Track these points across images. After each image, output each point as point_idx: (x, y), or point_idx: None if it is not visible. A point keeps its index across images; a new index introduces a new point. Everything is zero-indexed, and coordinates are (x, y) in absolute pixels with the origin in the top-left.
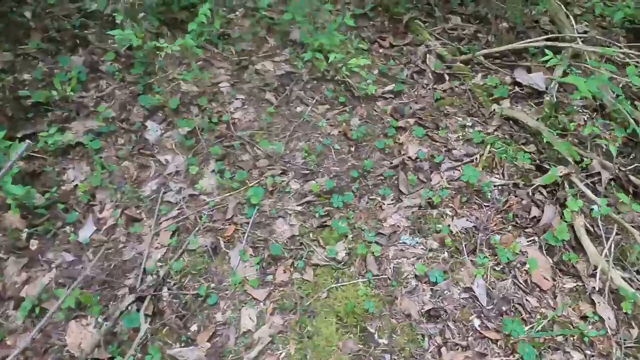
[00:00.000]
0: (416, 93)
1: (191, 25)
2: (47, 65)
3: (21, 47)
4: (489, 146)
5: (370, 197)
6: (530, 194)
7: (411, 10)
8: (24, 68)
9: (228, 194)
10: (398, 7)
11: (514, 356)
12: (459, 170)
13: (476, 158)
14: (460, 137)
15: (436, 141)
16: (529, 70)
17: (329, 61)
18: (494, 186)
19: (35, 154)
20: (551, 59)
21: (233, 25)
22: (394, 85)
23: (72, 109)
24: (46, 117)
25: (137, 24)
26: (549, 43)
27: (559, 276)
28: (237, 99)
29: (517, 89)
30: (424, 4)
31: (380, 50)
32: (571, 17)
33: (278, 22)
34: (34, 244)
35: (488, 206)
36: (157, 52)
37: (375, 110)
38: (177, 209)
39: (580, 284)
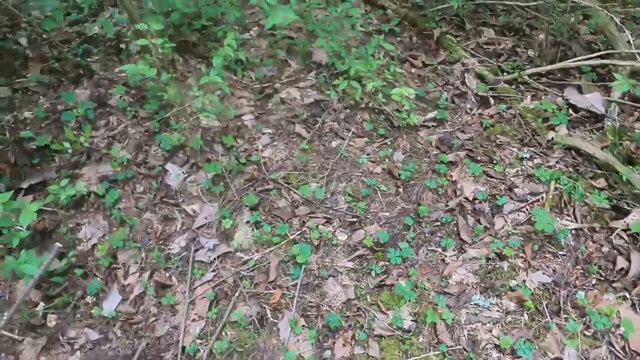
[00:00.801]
0: (460, 120)
1: (216, 59)
2: (49, 100)
3: (19, 81)
4: (553, 182)
5: (429, 248)
6: (610, 239)
7: (439, 24)
8: (23, 105)
9: (268, 250)
10: (425, 21)
11: None
12: (525, 212)
13: (542, 197)
14: (520, 172)
15: (493, 177)
16: (579, 89)
17: (367, 89)
18: (566, 228)
19: (45, 208)
20: (620, 83)
21: (249, 47)
22: (435, 112)
23: (83, 152)
24: (53, 162)
25: (147, 52)
26: (605, 61)
27: None
28: (264, 133)
29: (570, 111)
30: (452, 16)
31: (413, 71)
32: (627, 32)
33: (298, 41)
34: (52, 320)
35: (565, 255)
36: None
37: (418, 142)
38: (212, 270)
39: None
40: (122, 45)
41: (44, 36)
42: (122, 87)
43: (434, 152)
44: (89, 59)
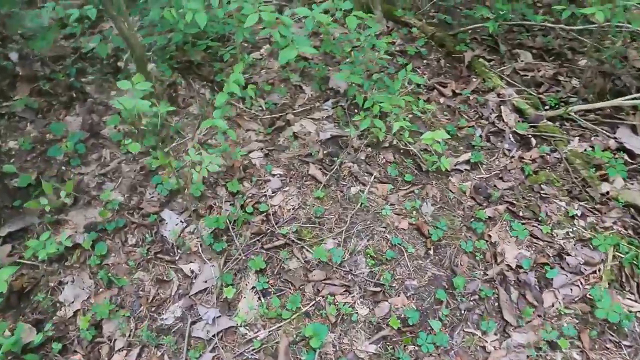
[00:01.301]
0: (498, 163)
1: (220, 98)
2: (38, 128)
3: (6, 104)
4: (612, 249)
5: (466, 330)
6: None
7: (470, 44)
8: (9, 132)
9: (277, 327)
10: (455, 42)
11: None
12: (579, 286)
13: (599, 269)
14: (570, 234)
15: (539, 239)
16: (634, 130)
17: (393, 131)
18: (629, 312)
19: (23, 260)
20: None
21: (259, 69)
22: (470, 154)
23: (69, 194)
24: (37, 201)
25: (145, 76)
26: None
27: None
28: (274, 175)
29: (626, 157)
30: (484, 36)
31: (442, 101)
32: None
33: (313, 65)
34: None
35: (630, 347)
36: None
37: (450, 190)
38: (211, 350)
39: None
40: (120, 64)
41: (36, 51)
42: (116, 117)
43: (469, 203)
44: (83, 79)
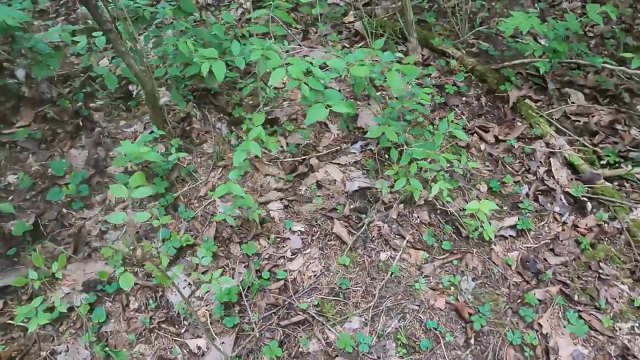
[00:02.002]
0: (548, 231)
1: (238, 155)
2: (40, 161)
3: (7, 132)
4: None
5: None
6: None
7: (515, 80)
8: (9, 164)
9: None
10: (498, 78)
11: None
12: None
13: None
14: (636, 330)
15: (598, 332)
16: None
17: (432, 194)
18: None
19: (12, 322)
20: None
21: (281, 101)
22: (516, 218)
23: (69, 241)
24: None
25: (157, 111)
26: None
27: None
28: (294, 232)
29: None
30: (530, 71)
31: (483, 147)
32: None
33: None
34: None
35: None
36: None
37: (494, 262)
38: None
39: None
40: (132, 88)
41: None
42: (123, 158)
43: (515, 279)
44: (92, 104)
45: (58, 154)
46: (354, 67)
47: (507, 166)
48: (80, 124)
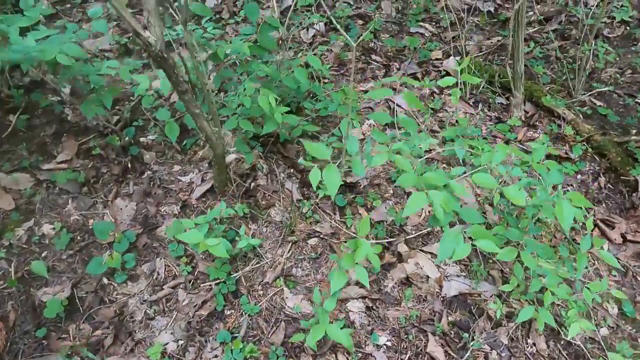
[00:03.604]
0: None
1: (337, 282)
2: (80, 210)
3: (46, 168)
4: None
5: None
6: None
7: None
8: (45, 209)
9: None
10: (622, 153)
11: None
12: None
13: None
14: None
15: None
16: None
17: (569, 334)
18: None
19: None
20: None
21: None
22: None
23: (108, 325)
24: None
25: (220, 171)
26: None
27: None
28: (379, 347)
29: None
30: None
31: (606, 248)
32: None
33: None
34: None
35: None
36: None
37: None
38: None
39: None
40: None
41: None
42: (178, 225)
43: None
44: (142, 138)
45: (101, 202)
46: (478, 175)
47: None
48: (129, 165)
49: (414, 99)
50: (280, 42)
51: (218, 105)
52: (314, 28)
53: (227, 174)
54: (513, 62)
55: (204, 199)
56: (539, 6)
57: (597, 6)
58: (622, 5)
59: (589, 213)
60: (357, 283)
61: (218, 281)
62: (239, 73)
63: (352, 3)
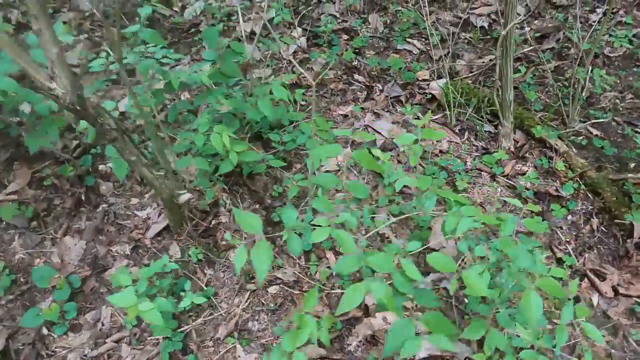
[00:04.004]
0: None
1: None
2: (27, 248)
3: None
4: None
5: None
6: None
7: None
8: None
9: None
10: (617, 192)
11: None
12: None
13: None
14: None
15: None
16: None
17: None
18: None
19: None
20: None
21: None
22: None
23: None
24: None
25: (172, 212)
26: None
27: None
28: None
29: None
30: None
31: (595, 300)
32: None
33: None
34: None
35: None
36: None
37: None
38: None
39: None
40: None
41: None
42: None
43: None
44: (100, 166)
45: (50, 238)
46: (434, 256)
47: (635, 342)
48: (83, 197)
49: (370, 159)
50: (247, 67)
51: (175, 141)
52: (295, 44)
53: (182, 213)
54: (501, 91)
55: (159, 238)
56: (536, 21)
57: (598, 22)
58: (625, 22)
59: (577, 259)
60: (318, 343)
61: (165, 336)
62: (197, 105)
63: (337, 16)
